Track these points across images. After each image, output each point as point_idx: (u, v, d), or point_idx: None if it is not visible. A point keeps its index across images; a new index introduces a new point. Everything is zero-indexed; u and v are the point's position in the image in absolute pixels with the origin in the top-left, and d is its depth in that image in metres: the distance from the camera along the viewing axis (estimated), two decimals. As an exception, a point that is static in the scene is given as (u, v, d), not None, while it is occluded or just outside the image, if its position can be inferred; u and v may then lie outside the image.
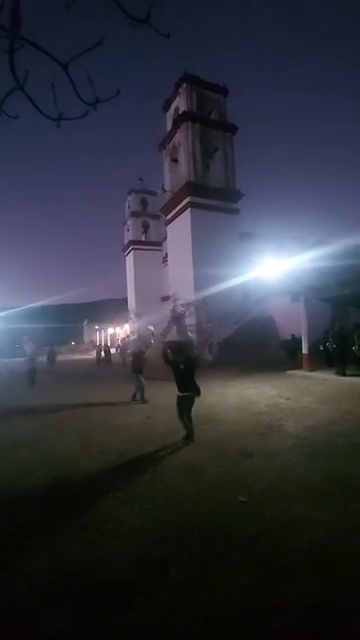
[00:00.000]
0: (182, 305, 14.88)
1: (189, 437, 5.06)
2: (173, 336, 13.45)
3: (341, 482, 3.44)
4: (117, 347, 35.76)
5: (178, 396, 5.19)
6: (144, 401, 8.01)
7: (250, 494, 3.27)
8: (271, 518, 2.86)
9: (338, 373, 10.18)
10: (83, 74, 2.04)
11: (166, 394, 8.12)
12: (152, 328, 9.67)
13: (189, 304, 15.21)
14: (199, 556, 2.40)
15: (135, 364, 8.35)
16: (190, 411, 5.15)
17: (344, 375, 9.96)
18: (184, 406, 5.13)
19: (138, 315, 19.29)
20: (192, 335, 13.40)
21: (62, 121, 2.22)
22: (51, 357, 18.93)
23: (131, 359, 9.06)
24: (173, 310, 14.50)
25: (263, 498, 3.21)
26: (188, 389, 5.13)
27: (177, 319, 14.18)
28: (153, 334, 9.19)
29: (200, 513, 3.00)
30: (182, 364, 5.17)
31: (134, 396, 8.24)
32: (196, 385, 5.19)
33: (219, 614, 1.91)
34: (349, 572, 2.17)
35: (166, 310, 16.60)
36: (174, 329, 14.20)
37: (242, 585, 2.10)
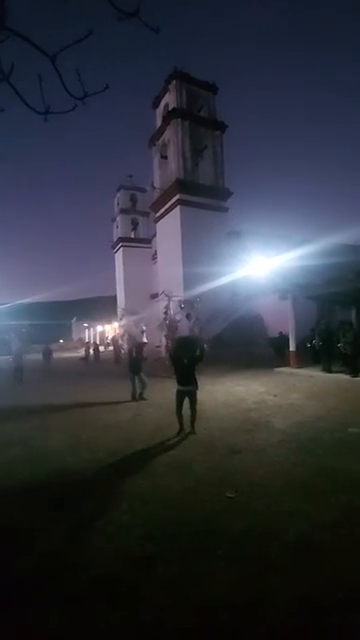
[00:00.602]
0: (181, 302, 14.90)
1: (181, 431, 5.22)
2: (182, 331, 13.47)
3: (327, 476, 3.51)
4: (107, 344, 35.55)
5: (178, 390, 5.34)
6: (136, 399, 7.92)
7: (238, 490, 3.31)
8: (258, 513, 2.90)
9: (324, 370, 10.37)
10: (72, 68, 2.01)
11: (158, 391, 8.17)
12: (144, 327, 9.54)
13: (186, 301, 15.24)
14: (187, 552, 2.42)
15: (131, 363, 8.12)
16: (195, 403, 5.32)
17: (330, 372, 10.16)
18: (183, 400, 5.29)
19: (132, 312, 19.17)
20: (197, 331, 13.41)
21: (51, 115, 2.19)
22: (47, 354, 18.66)
23: (127, 357, 8.83)
24: (176, 308, 14.50)
25: (250, 493, 3.25)
26: (189, 383, 5.29)
27: (187, 316, 14.22)
28: (144, 332, 9.06)
29: (188, 509, 3.02)
30: (186, 359, 5.30)
31: (139, 395, 8.02)
32: (196, 380, 5.36)
33: (207, 609, 1.92)
34: (335, 565, 2.22)
35: (159, 307, 16.58)
36: (180, 325, 14.23)
37: (229, 580, 2.13)
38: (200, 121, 19.36)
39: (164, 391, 7.85)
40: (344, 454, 4.12)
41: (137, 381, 8.02)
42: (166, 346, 5.77)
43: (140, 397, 8.00)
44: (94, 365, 19.19)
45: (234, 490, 3.30)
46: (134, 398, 7.99)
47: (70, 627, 1.87)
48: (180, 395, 5.31)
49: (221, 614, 1.89)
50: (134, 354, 8.21)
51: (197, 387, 5.40)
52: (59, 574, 2.26)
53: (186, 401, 5.29)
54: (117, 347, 19.04)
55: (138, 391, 8.03)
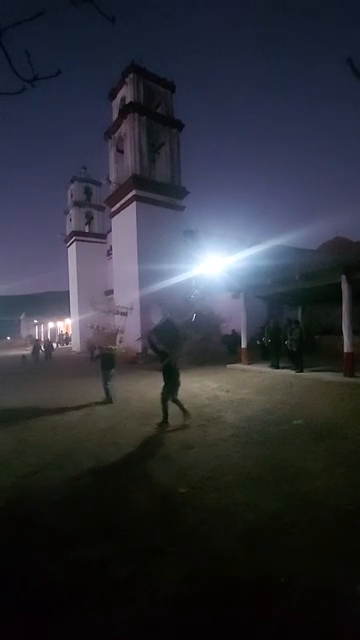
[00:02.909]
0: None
1: (186, 415, 5.51)
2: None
3: (272, 467, 3.71)
4: (59, 341, 34.10)
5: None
6: (108, 401, 7.39)
7: (190, 485, 3.37)
8: (209, 506, 2.97)
9: (272, 366, 10.94)
10: (22, 50, 1.90)
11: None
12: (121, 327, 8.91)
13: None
14: (138, 552, 2.40)
15: (106, 360, 7.54)
16: (163, 396, 5.59)
17: (278, 368, 10.74)
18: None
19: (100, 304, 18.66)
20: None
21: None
22: (48, 350, 19.02)
23: (99, 354, 8.07)
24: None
25: (202, 488, 3.32)
26: (163, 379, 5.62)
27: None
28: (122, 331, 8.47)
29: (140, 508, 3.01)
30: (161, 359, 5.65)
31: (110, 396, 7.49)
32: (168, 377, 5.57)
33: (156, 607, 1.93)
34: (279, 551, 2.35)
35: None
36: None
37: (180, 576, 2.15)
38: (157, 118, 19.23)
39: (116, 389, 7.74)
40: (288, 445, 4.38)
41: (110, 379, 7.48)
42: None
43: (108, 399, 7.44)
44: (45, 363, 18.34)
45: (186, 486, 3.35)
46: (111, 400, 7.41)
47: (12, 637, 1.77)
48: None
49: (169, 611, 1.90)
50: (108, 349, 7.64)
51: (167, 384, 5.57)
52: (1, 589, 2.13)
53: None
54: (91, 344, 18.35)
55: (109, 391, 7.49)
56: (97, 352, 8.97)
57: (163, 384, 5.64)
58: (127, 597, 2.01)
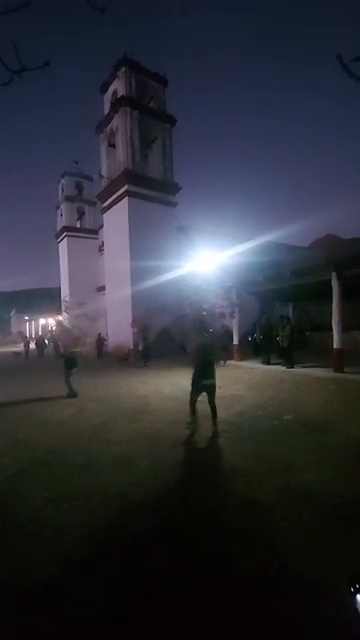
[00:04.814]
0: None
1: (192, 421, 5.24)
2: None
3: (262, 461, 3.75)
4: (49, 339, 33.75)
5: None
6: (71, 395, 7.68)
7: (181, 480, 3.38)
8: (201, 502, 2.98)
9: (264, 362, 11.03)
10: (8, 41, 1.85)
11: (102, 386, 7.97)
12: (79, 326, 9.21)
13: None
14: (128, 550, 2.40)
15: (68, 359, 7.86)
16: (191, 398, 5.34)
17: (269, 364, 10.83)
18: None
19: (77, 305, 18.49)
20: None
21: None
22: (41, 347, 20.61)
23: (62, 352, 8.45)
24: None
25: (194, 484, 3.34)
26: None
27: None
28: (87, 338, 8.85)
29: (131, 505, 3.01)
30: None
31: (73, 391, 7.80)
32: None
33: (145, 606, 1.93)
34: (268, 546, 2.38)
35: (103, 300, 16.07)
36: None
37: (171, 573, 2.16)
38: (149, 112, 19.03)
39: (103, 387, 7.72)
40: (279, 440, 4.43)
41: (71, 376, 7.82)
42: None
43: (71, 393, 7.75)
44: (39, 360, 18.18)
45: (178, 481, 3.37)
46: (70, 394, 7.72)
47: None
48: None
49: (159, 609, 1.91)
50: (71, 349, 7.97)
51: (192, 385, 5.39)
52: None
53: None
54: (101, 340, 17.91)
55: (71, 386, 7.81)
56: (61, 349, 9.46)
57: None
58: (116, 595, 2.01)
